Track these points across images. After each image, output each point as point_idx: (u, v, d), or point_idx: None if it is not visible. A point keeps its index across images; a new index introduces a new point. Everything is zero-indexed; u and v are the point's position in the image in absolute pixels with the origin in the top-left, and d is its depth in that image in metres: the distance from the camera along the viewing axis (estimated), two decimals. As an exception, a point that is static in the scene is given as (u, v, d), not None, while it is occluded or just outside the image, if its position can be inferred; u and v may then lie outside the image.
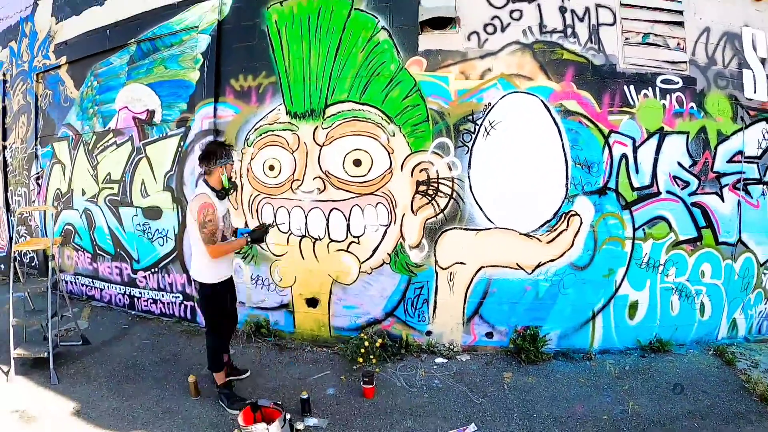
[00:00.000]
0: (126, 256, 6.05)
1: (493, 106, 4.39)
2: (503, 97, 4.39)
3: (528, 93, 4.39)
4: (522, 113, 4.40)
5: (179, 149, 5.43)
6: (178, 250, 5.53)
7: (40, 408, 3.83)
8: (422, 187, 4.51)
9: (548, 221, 4.44)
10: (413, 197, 4.52)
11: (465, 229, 4.49)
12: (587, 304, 4.57)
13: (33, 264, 7.44)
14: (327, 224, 4.69)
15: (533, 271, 4.48)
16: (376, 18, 4.51)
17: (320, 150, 4.65)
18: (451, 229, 4.51)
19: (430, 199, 4.50)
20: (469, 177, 4.45)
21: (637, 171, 4.50)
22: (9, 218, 7.65)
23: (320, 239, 4.74)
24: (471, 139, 4.43)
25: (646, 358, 4.52)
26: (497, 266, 4.51)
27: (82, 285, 6.66)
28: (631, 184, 4.49)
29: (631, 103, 4.44)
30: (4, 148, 7.61)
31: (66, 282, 6.85)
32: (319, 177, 4.68)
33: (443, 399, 3.91)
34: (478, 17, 4.45)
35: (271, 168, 4.86)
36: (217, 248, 3.48)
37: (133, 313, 6.04)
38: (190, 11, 5.33)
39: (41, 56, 7.02)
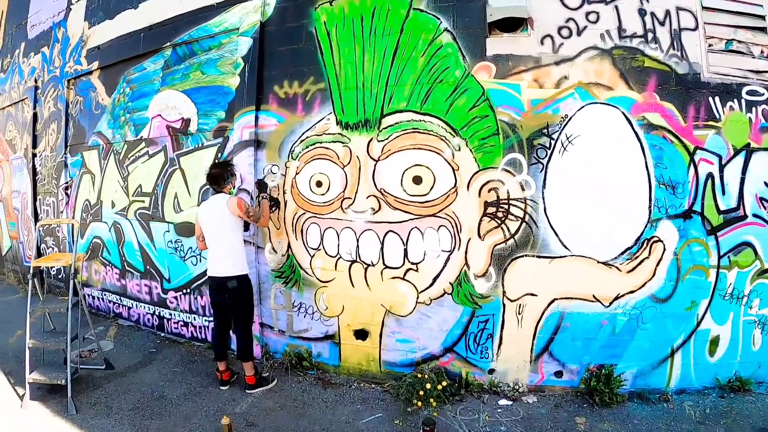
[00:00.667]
0: (156, 274, 5.60)
1: (570, 119, 3.85)
2: (581, 108, 3.85)
3: (608, 104, 3.85)
4: (602, 127, 3.86)
5: (216, 161, 4.93)
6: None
7: None
8: (491, 209, 3.96)
9: (629, 248, 3.89)
10: (480, 220, 3.97)
11: (538, 256, 3.93)
12: (667, 340, 4.01)
13: (60, 276, 7.05)
14: (381, 248, 4.15)
15: (611, 303, 3.93)
16: (438, 19, 3.99)
17: (375, 165, 4.13)
18: (522, 256, 3.95)
19: (499, 222, 3.94)
20: (543, 198, 3.90)
21: (723, 192, 3.95)
22: (39, 229, 7.28)
23: (373, 265, 4.19)
24: (546, 155, 3.88)
25: (725, 398, 3.94)
26: (572, 298, 3.96)
27: (110, 302, 6.23)
28: (717, 206, 3.94)
29: (717, 116, 3.90)
30: (34, 156, 7.27)
31: (93, 297, 6.46)
32: (374, 195, 4.15)
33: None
34: (551, 19, 3.92)
35: (319, 184, 4.35)
36: (264, 218, 4.29)
37: (161, 335, 5.57)
38: (230, 12, 4.87)
39: (73, 62, 6.67)
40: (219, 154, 4.92)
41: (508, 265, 3.97)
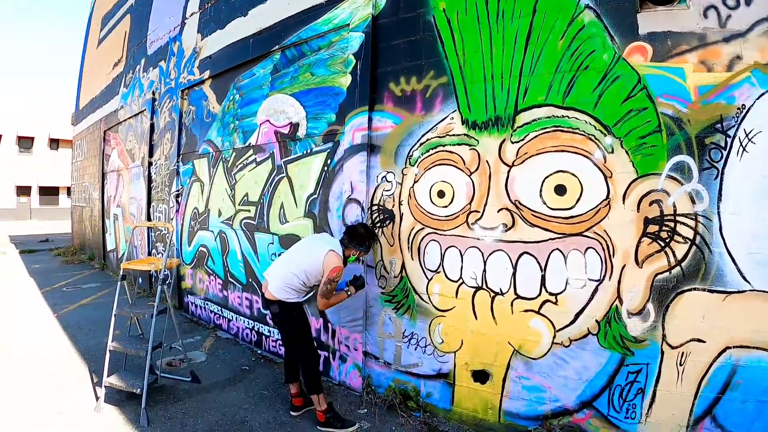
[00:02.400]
0: (258, 287, 5.21)
1: (748, 110, 2.84)
2: (761, 96, 2.82)
3: None
4: None
5: (325, 168, 4.45)
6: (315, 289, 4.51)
7: None
8: (652, 228, 3.01)
9: None
10: (639, 242, 3.03)
11: (710, 290, 2.91)
12: None
13: (167, 282, 6.94)
14: (513, 274, 3.34)
15: None
16: None
17: (508, 172, 3.36)
18: (689, 290, 2.95)
19: (663, 245, 2.98)
20: (719, 213, 2.89)
21: None
22: (151, 235, 7.31)
23: (502, 293, 3.39)
24: (721, 157, 2.88)
25: None
26: (748, 347, 2.88)
27: (211, 312, 5.96)
28: None
29: None
30: (150, 164, 7.34)
31: (195, 306, 6.25)
32: (506, 209, 3.37)
33: None
34: None
35: (441, 194, 3.66)
36: (326, 302, 3.67)
37: (259, 352, 5.15)
38: (340, 8, 4.39)
39: (186, 72, 6.66)
40: (329, 161, 4.42)
41: (671, 301, 2.99)
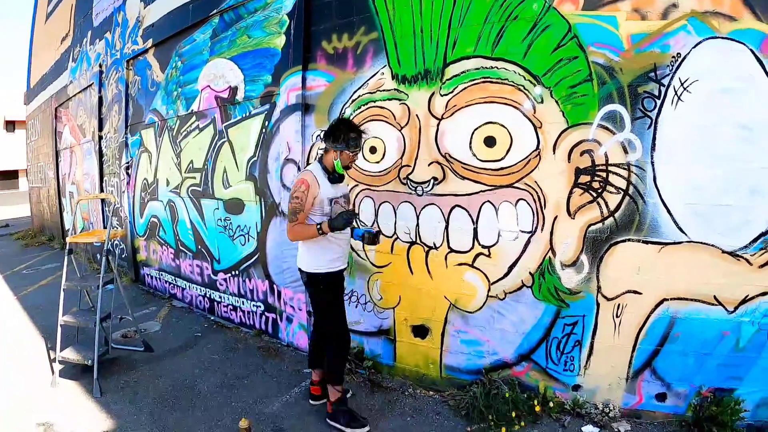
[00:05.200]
0: (207, 254, 4.90)
1: (683, 58, 2.62)
2: (697, 44, 2.60)
3: (731, 39, 2.57)
4: (726, 68, 2.60)
5: (263, 130, 4.12)
6: (260, 251, 4.24)
7: (69, 424, 2.95)
8: (584, 178, 2.81)
9: (764, 234, 2.61)
10: (570, 192, 2.83)
11: (644, 241, 2.75)
12: None
13: (123, 256, 6.57)
14: (446, 227, 3.13)
15: (736, 308, 2.69)
16: None
17: (438, 125, 3.10)
18: (623, 240, 2.78)
19: (594, 195, 2.79)
20: (652, 163, 2.70)
21: None
22: (105, 209, 6.85)
23: (436, 248, 3.18)
24: (655, 106, 2.67)
25: None
26: (686, 299, 2.74)
27: (166, 282, 5.63)
28: None
29: None
30: (101, 138, 6.82)
31: (151, 277, 5.91)
32: (437, 162, 3.13)
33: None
34: None
35: (373, 150, 3.40)
36: (291, 228, 2.77)
37: (211, 318, 4.88)
38: (275, -33, 3.99)
39: (131, 42, 6.12)
40: (266, 123, 4.08)
41: (605, 252, 2.82)
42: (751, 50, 2.56)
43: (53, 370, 3.63)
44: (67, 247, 3.82)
